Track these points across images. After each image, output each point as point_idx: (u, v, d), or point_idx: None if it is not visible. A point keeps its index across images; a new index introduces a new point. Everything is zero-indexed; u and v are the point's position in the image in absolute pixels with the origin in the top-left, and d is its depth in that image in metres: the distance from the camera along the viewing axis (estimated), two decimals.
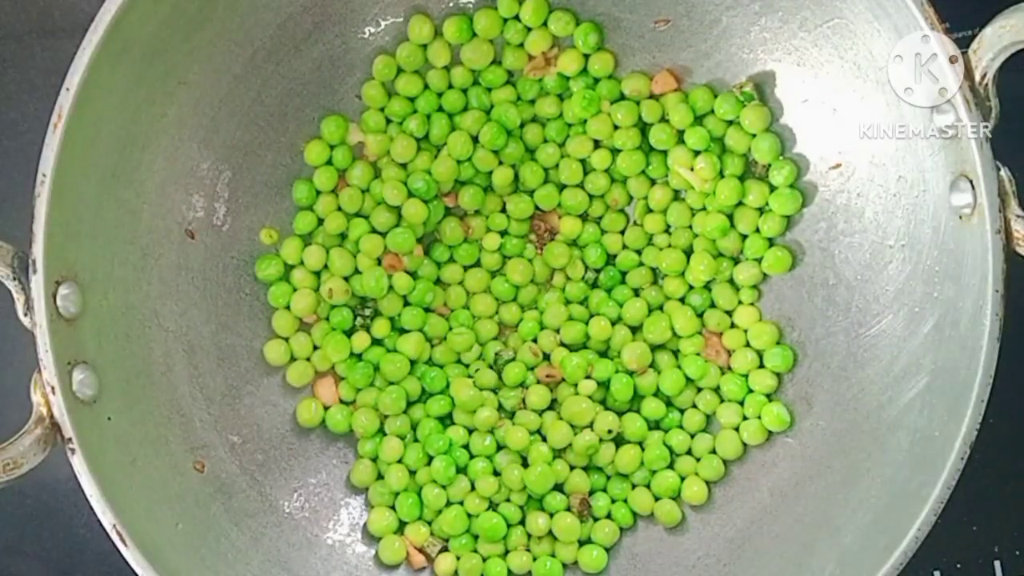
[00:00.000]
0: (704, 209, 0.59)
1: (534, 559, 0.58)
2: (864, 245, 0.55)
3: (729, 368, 0.59)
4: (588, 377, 0.59)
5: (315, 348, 0.60)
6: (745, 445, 0.58)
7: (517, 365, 0.59)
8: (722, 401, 0.59)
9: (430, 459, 0.58)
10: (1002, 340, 0.47)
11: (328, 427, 0.59)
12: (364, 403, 0.59)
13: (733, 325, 0.59)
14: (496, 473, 0.58)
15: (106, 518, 0.47)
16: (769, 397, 0.58)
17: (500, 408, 0.59)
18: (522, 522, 0.58)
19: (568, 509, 0.58)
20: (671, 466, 0.58)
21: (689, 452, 0.59)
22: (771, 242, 0.58)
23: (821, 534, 0.53)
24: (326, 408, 0.59)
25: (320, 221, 0.60)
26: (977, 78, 0.47)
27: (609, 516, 0.58)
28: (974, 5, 0.49)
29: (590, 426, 0.58)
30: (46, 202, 0.48)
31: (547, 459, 0.58)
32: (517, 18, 0.58)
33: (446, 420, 0.59)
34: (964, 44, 0.47)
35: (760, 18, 0.56)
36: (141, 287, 0.55)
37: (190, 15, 0.53)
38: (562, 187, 0.60)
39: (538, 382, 0.59)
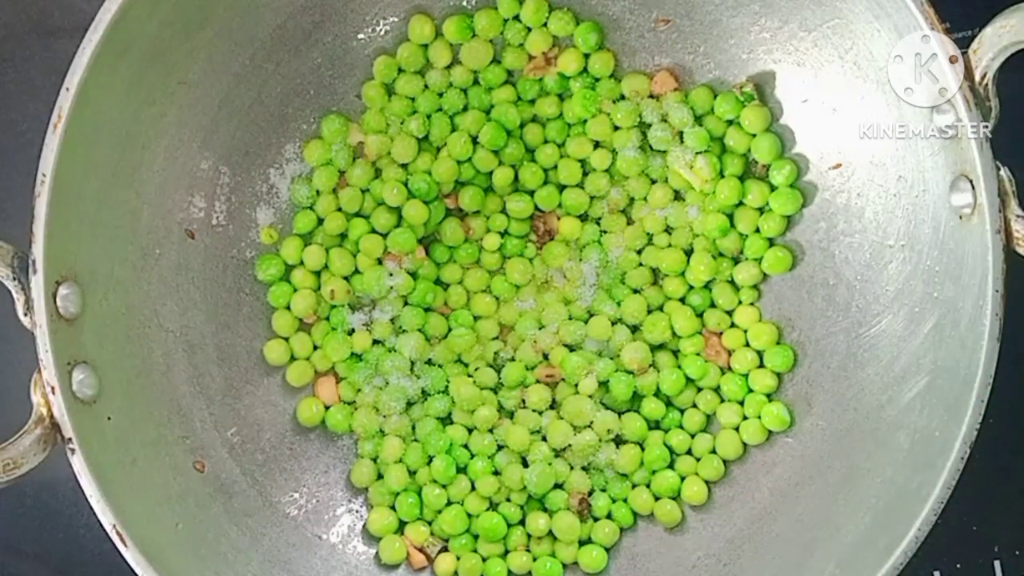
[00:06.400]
0: (704, 209, 0.59)
1: (534, 559, 0.58)
2: (864, 245, 0.55)
3: (729, 368, 0.59)
4: (588, 375, 0.59)
5: (315, 348, 0.60)
6: (745, 445, 0.58)
7: (517, 365, 0.59)
8: (722, 401, 0.59)
9: (430, 459, 0.58)
10: (1002, 340, 0.47)
11: (328, 427, 0.59)
12: (364, 403, 0.59)
13: (733, 325, 0.59)
14: (496, 473, 0.58)
15: (106, 518, 0.47)
16: (769, 397, 0.58)
17: (500, 408, 0.59)
18: (522, 522, 0.58)
19: (568, 509, 0.58)
20: (671, 466, 0.58)
21: (689, 452, 0.59)
22: (771, 242, 0.58)
23: (821, 534, 0.53)
24: (326, 408, 0.60)
25: (320, 221, 0.60)
26: (977, 78, 0.47)
27: (609, 516, 0.58)
28: (974, 5, 0.49)
29: (590, 426, 0.58)
30: (46, 202, 0.48)
31: (547, 459, 0.58)
32: (517, 18, 0.58)
33: (446, 420, 0.59)
34: (964, 44, 0.47)
35: (760, 18, 0.56)
36: (141, 287, 0.55)
37: (190, 15, 0.53)
38: (562, 187, 0.60)
39: (538, 382, 0.59)
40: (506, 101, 0.59)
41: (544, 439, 0.59)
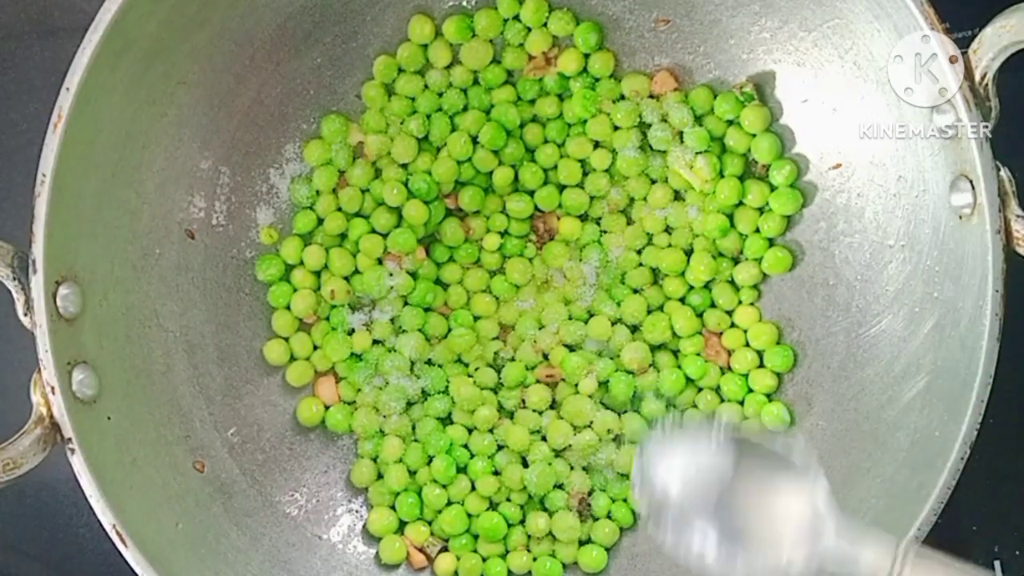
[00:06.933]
0: (704, 209, 0.59)
1: (534, 559, 0.58)
2: (864, 245, 0.55)
3: (729, 368, 0.59)
4: (588, 375, 0.59)
5: (315, 348, 0.60)
6: None
7: (517, 365, 0.59)
8: (722, 401, 0.59)
9: (430, 459, 0.58)
10: (1002, 340, 0.47)
11: (328, 427, 0.59)
12: (364, 403, 0.59)
13: (733, 325, 0.59)
14: (496, 473, 0.58)
15: (106, 518, 0.47)
16: (769, 397, 0.58)
17: (500, 408, 0.59)
18: (522, 522, 0.58)
19: (568, 509, 0.58)
20: None
21: None
22: (771, 242, 0.58)
23: None
24: (326, 408, 0.60)
25: (320, 221, 0.60)
26: (977, 78, 0.47)
27: (609, 516, 0.58)
28: (974, 5, 0.49)
29: (590, 426, 0.58)
30: (46, 202, 0.48)
31: (547, 459, 0.58)
32: (517, 18, 0.58)
33: (446, 420, 0.59)
34: (964, 44, 0.47)
35: (760, 18, 0.56)
36: (141, 287, 0.55)
37: (190, 15, 0.53)
38: (562, 187, 0.60)
39: (538, 382, 0.59)
40: (506, 101, 0.59)
41: (544, 439, 0.59)
